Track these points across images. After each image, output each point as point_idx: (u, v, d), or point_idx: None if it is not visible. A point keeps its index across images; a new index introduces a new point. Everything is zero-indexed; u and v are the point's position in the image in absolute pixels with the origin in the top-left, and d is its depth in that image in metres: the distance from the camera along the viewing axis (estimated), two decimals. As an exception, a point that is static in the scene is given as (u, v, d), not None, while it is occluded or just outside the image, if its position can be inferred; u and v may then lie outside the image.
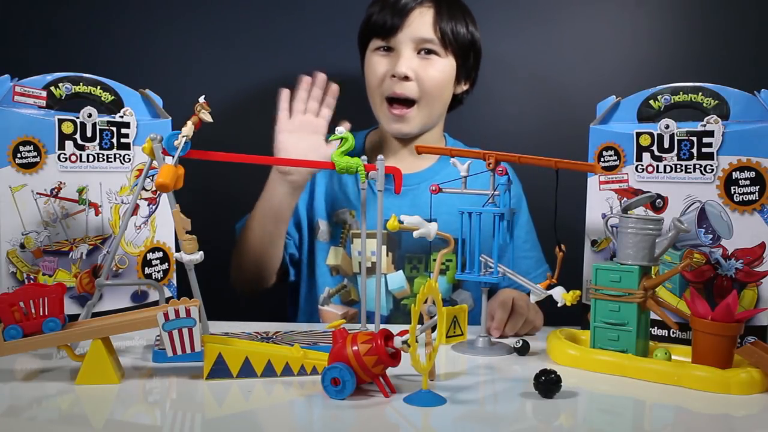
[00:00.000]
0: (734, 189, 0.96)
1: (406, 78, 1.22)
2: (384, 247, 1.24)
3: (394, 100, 1.24)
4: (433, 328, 0.80)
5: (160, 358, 0.88)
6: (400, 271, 1.26)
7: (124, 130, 1.04)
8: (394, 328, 0.84)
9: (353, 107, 1.27)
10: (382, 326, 0.89)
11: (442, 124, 1.34)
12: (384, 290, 1.25)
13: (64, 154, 0.99)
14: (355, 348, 0.76)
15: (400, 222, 0.91)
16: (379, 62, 1.25)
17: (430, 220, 0.95)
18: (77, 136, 1.00)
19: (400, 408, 0.74)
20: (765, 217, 0.95)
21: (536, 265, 1.31)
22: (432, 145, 1.30)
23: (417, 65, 1.23)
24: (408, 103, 1.24)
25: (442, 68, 1.25)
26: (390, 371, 0.78)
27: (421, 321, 0.79)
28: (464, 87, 1.33)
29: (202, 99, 0.90)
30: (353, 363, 0.76)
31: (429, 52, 1.24)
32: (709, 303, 0.87)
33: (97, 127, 1.01)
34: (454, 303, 1.27)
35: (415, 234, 0.90)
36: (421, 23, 1.23)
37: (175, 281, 1.10)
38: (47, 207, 0.99)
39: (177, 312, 0.79)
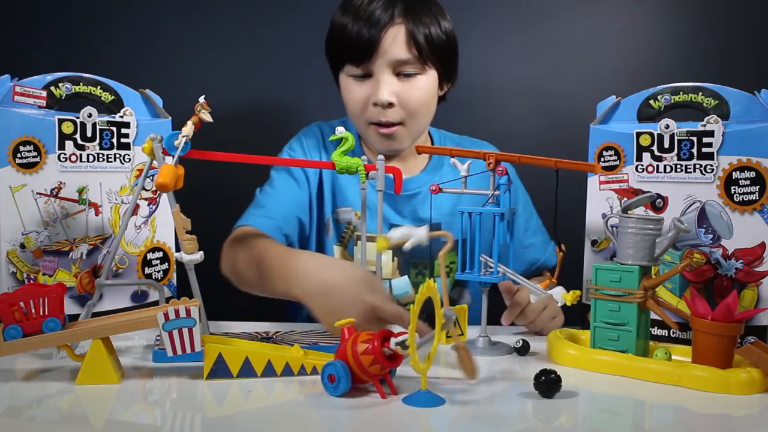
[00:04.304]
0: (734, 189, 0.96)
1: (389, 105, 1.17)
2: (390, 252, 1.24)
3: (380, 125, 1.20)
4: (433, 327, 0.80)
5: (160, 358, 0.87)
6: (405, 277, 1.25)
7: (124, 130, 1.04)
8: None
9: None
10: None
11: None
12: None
13: (64, 154, 0.99)
14: (355, 347, 0.76)
15: (389, 239, 0.88)
16: (357, 89, 1.19)
17: (430, 223, 0.94)
18: (77, 136, 1.00)
19: (400, 408, 0.74)
20: (765, 217, 0.95)
21: (543, 249, 1.30)
22: (418, 141, 1.27)
23: (398, 89, 1.17)
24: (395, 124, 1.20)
25: (424, 85, 1.19)
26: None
27: (431, 322, 0.78)
28: (446, 87, 1.28)
29: (202, 99, 0.91)
30: (351, 361, 0.76)
31: (408, 75, 1.17)
32: (709, 303, 0.86)
33: (97, 127, 1.01)
34: (453, 301, 1.26)
35: (406, 246, 0.87)
36: (395, 45, 1.15)
37: (175, 281, 1.10)
38: (47, 207, 0.99)
39: (177, 312, 0.79)
